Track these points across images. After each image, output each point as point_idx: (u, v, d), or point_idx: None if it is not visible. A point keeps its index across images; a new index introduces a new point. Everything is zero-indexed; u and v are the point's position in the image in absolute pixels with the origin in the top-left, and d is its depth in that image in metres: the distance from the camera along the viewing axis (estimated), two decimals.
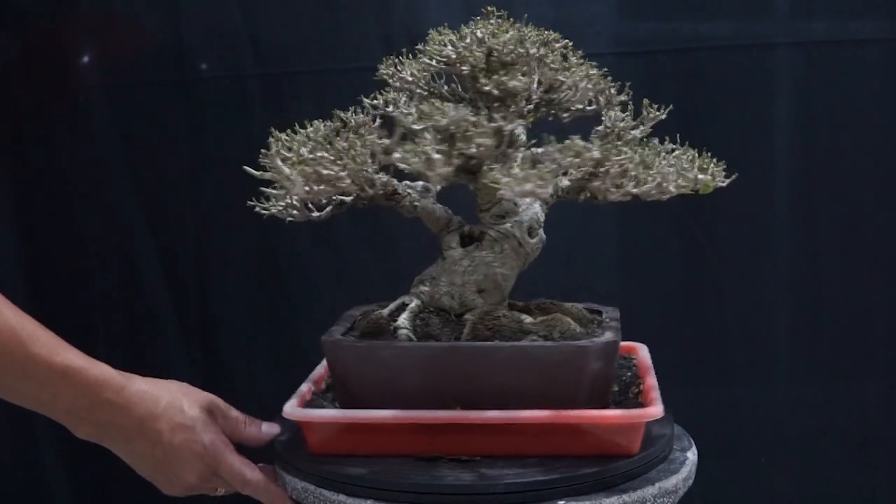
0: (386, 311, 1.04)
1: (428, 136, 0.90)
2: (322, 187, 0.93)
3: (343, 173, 0.91)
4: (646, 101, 1.02)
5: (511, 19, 1.01)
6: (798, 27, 1.52)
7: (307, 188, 0.92)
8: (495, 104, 0.98)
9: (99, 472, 1.57)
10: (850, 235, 1.56)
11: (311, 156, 0.92)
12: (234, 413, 1.04)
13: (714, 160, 1.00)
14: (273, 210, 0.99)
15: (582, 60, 1.03)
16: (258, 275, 1.58)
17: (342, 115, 0.99)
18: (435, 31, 1.00)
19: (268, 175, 0.95)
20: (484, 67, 0.97)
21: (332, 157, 0.92)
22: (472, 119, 0.91)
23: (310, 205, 0.99)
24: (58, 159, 1.56)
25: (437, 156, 0.88)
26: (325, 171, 0.92)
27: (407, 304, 1.04)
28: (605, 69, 1.04)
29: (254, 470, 1.01)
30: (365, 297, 1.54)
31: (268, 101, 1.54)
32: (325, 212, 1.01)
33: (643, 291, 1.57)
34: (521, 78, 0.97)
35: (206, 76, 1.55)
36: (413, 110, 0.94)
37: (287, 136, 0.96)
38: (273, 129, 0.97)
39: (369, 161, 0.93)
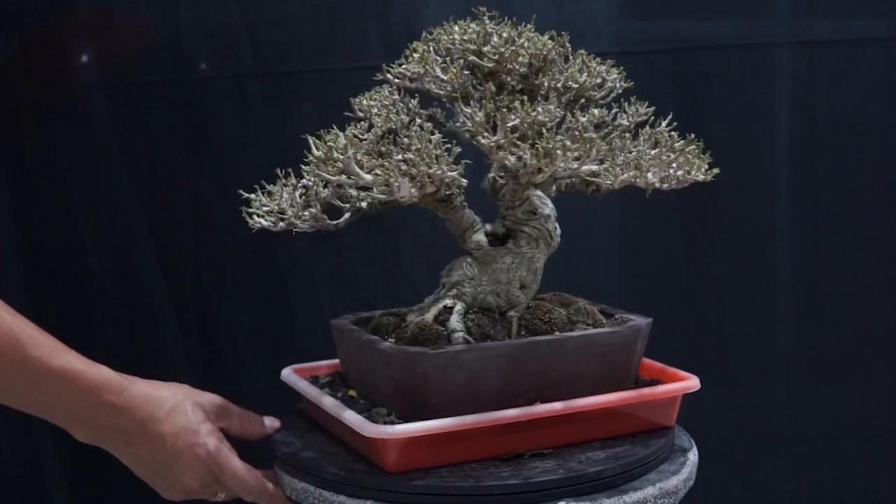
0: (430, 316, 1.00)
1: (546, 133, 0.90)
2: (419, 189, 0.89)
3: (453, 173, 0.89)
4: (628, 99, 1.04)
5: (504, 18, 1.01)
6: (799, 26, 1.52)
7: (413, 190, 0.89)
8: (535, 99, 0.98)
9: (98, 473, 1.56)
10: (852, 235, 1.55)
11: (404, 157, 0.89)
12: (238, 410, 1.04)
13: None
14: (265, 222, 0.97)
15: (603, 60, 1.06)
16: (257, 274, 1.58)
17: (395, 117, 0.98)
18: (459, 28, 1.00)
19: (348, 180, 0.90)
20: (541, 65, 0.99)
21: (419, 158, 0.89)
22: (564, 114, 0.93)
23: (317, 214, 0.97)
24: (56, 159, 1.56)
25: (559, 152, 0.89)
26: (438, 172, 0.88)
27: (450, 307, 1.01)
28: (622, 67, 1.06)
29: (257, 476, 1.00)
30: (364, 298, 1.56)
31: (268, 100, 1.54)
32: (342, 219, 0.99)
33: (643, 291, 1.57)
34: (583, 75, 1.00)
35: (206, 76, 1.54)
36: (480, 109, 0.92)
37: (353, 137, 0.92)
38: (338, 130, 0.92)
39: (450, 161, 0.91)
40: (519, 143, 0.90)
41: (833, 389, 1.58)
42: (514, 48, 0.97)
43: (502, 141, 0.90)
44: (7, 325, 0.88)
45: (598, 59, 1.04)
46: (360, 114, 1.03)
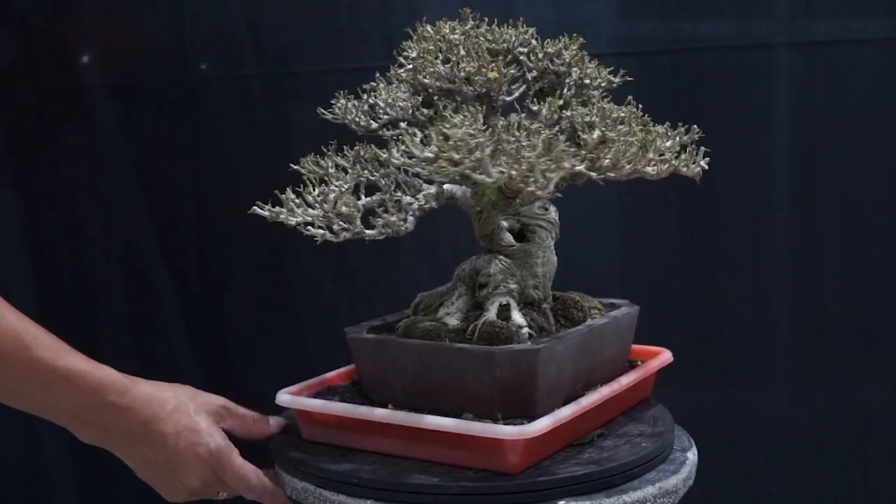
0: (492, 315, 0.99)
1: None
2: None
3: (581, 166, 0.90)
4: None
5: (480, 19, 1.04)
6: (798, 27, 1.52)
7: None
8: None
9: (103, 473, 1.57)
10: (850, 235, 1.56)
11: (535, 153, 0.88)
12: (242, 411, 1.04)
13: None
14: (329, 235, 0.93)
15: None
16: (261, 274, 1.59)
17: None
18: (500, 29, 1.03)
19: (477, 177, 0.88)
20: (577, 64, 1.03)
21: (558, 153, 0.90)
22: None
23: (393, 221, 0.95)
24: (60, 159, 1.56)
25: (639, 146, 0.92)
26: (570, 166, 0.89)
27: (505, 304, 1.01)
28: (618, 68, 1.08)
29: (259, 475, 1.00)
30: (367, 298, 1.56)
31: (269, 101, 1.55)
32: (409, 222, 0.97)
33: (642, 291, 1.56)
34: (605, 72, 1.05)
35: (208, 76, 1.55)
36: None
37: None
38: (442, 128, 0.88)
39: None
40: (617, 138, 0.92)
41: (833, 389, 1.58)
42: (561, 48, 1.02)
43: (602, 136, 0.92)
44: (11, 325, 0.89)
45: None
46: (341, 116, 1.03)
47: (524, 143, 0.87)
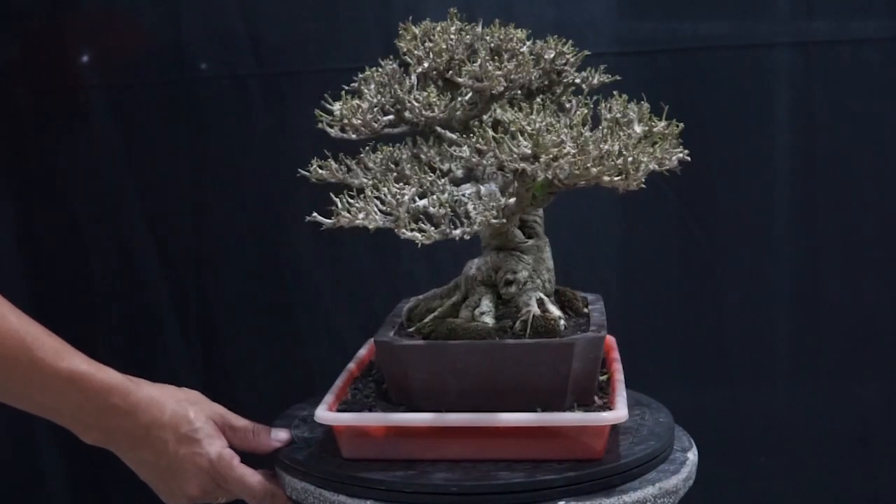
0: (535, 309, 0.98)
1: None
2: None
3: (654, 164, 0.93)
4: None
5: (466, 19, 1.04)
6: (798, 27, 1.52)
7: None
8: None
9: (100, 474, 1.57)
10: (851, 235, 1.56)
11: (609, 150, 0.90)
12: (242, 423, 1.02)
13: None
14: (419, 236, 0.90)
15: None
16: (258, 275, 1.58)
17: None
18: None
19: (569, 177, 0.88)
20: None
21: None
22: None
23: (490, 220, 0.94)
24: (57, 159, 1.56)
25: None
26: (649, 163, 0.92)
27: (539, 299, 1.01)
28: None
29: (261, 481, 0.99)
30: (365, 298, 1.56)
31: (268, 100, 1.55)
32: (478, 223, 0.94)
33: (643, 291, 1.57)
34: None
35: (206, 76, 1.55)
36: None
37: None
38: (548, 122, 0.89)
39: None
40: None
41: (833, 389, 1.58)
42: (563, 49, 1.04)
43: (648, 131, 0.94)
44: (13, 326, 0.89)
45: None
46: (348, 117, 1.02)
47: (594, 139, 0.89)
